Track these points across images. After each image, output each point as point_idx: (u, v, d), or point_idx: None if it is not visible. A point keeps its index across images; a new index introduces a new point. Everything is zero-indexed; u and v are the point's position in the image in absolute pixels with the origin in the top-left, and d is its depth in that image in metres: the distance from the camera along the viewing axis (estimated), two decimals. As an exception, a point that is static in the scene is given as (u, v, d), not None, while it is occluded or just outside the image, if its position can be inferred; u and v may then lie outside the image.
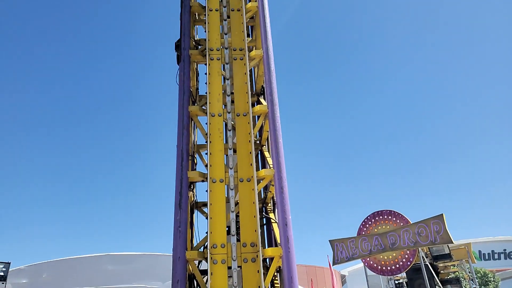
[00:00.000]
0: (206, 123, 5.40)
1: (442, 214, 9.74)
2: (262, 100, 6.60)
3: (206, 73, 5.72)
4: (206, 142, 5.38)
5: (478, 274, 19.33)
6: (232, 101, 5.61)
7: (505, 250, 31.46)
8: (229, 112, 5.48)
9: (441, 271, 10.16)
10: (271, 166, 5.58)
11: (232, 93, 5.65)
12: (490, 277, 20.13)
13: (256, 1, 6.31)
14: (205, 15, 6.20)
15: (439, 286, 9.59)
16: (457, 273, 10.52)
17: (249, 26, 7.14)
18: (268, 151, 6.22)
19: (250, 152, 5.15)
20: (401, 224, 10.72)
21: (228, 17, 6.14)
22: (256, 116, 6.07)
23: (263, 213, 6.14)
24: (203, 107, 5.76)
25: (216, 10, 6.14)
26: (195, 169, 5.67)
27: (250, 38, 6.96)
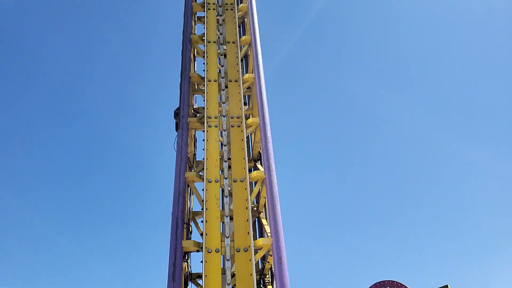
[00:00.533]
0: (203, 189, 5.33)
1: (447, 285, 9.28)
2: (259, 166, 6.61)
3: (203, 140, 5.79)
4: (202, 209, 5.26)
5: None
6: (229, 167, 5.61)
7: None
8: (226, 178, 5.44)
9: None
10: (269, 234, 5.40)
11: (229, 158, 5.67)
12: None
13: (253, 73, 6.64)
14: (204, 85, 6.46)
15: None
16: None
17: (246, 95, 7.43)
18: (266, 219, 6.06)
19: (247, 220, 5.01)
20: (405, 296, 10.14)
21: (226, 87, 6.40)
22: (253, 182, 6.04)
23: (261, 286, 5.79)
24: (200, 173, 5.73)
25: (214, 81, 6.42)
26: (190, 238, 5.45)
27: (247, 106, 7.20)
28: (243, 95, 6.40)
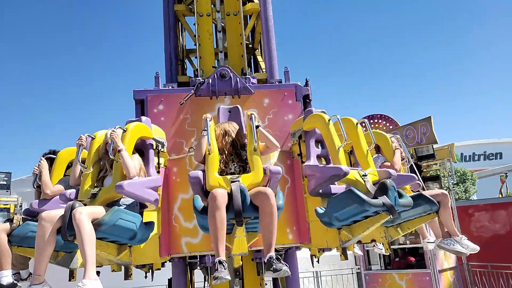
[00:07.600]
0: (194, 24, 5.06)
1: (430, 116, 9.95)
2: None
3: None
4: (195, 45, 5.11)
5: (458, 173, 20.55)
6: (221, 0, 5.19)
7: (485, 152, 33.13)
8: (218, 11, 5.10)
9: (424, 170, 10.71)
10: (264, 70, 5.42)
11: (220, -10, 5.18)
12: (468, 176, 21.54)
13: None
14: None
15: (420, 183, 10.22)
16: (438, 171, 11.08)
17: None
18: (261, 56, 5.98)
19: (242, 56, 4.94)
20: (391, 127, 11.02)
21: None
22: (248, 16, 5.71)
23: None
24: (190, 6, 5.34)
25: None
26: (186, 74, 5.49)
27: None
28: None
